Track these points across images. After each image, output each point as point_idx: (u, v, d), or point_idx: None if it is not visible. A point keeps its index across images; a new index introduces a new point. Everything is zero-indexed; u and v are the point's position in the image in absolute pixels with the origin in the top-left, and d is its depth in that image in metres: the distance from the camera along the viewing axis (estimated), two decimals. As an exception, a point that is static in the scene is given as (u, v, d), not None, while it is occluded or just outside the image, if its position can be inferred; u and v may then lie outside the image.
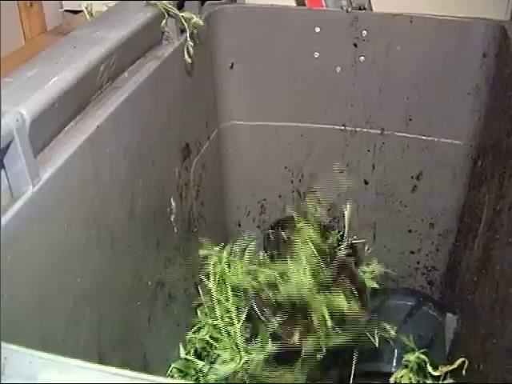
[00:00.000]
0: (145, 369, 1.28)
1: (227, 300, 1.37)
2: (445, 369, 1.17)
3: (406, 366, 1.24)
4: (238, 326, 1.34)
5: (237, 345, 1.32)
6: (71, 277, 0.94)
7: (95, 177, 0.99)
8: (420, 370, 1.24)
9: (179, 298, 1.41)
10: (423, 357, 1.22)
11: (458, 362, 1.16)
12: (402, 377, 1.24)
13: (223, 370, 1.21)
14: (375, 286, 1.50)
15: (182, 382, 1.02)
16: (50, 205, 0.86)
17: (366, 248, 1.56)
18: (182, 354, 1.40)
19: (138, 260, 1.20)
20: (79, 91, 0.95)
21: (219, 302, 1.38)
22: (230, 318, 1.36)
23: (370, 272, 1.51)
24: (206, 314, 1.41)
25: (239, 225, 1.82)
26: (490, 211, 1.29)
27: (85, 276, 0.98)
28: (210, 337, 1.37)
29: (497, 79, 1.39)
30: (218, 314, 1.37)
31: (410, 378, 1.23)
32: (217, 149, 1.64)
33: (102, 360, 1.06)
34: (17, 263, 0.78)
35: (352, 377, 1.34)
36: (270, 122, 1.64)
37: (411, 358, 1.23)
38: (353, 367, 1.34)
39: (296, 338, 1.28)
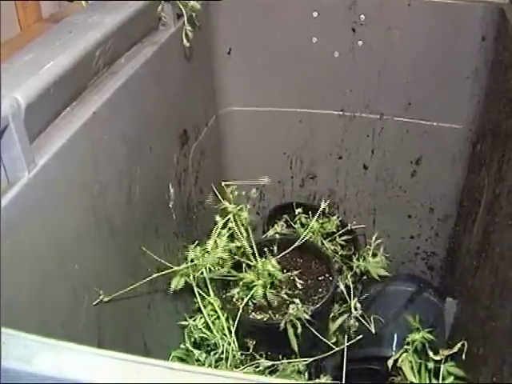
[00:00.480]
0: (146, 357, 1.27)
1: (208, 294, 1.38)
2: (446, 352, 1.17)
3: (406, 350, 1.23)
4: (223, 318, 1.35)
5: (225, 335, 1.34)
6: (70, 264, 0.94)
7: (93, 163, 0.99)
8: (421, 352, 1.24)
9: (179, 284, 1.41)
10: (429, 336, 1.21)
11: (458, 345, 1.15)
12: (402, 361, 1.23)
13: None
14: (384, 273, 1.50)
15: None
16: (46, 191, 0.86)
17: (374, 239, 1.56)
18: (186, 342, 1.40)
19: (136, 247, 1.20)
20: (75, 76, 0.94)
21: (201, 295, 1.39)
22: (215, 311, 1.37)
23: (375, 262, 1.51)
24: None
25: (238, 211, 1.82)
26: (489, 195, 1.29)
27: (83, 263, 0.98)
28: (205, 327, 1.38)
29: (496, 62, 1.39)
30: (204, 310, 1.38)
31: (411, 362, 1.22)
32: (215, 135, 1.64)
33: (101, 347, 1.06)
34: (15, 249, 0.78)
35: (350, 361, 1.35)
36: (269, 107, 1.63)
37: (416, 337, 1.22)
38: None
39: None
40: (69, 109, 0.96)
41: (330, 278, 1.40)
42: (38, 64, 0.87)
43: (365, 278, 1.53)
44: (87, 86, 1.01)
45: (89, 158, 0.97)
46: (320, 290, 1.38)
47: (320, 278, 1.41)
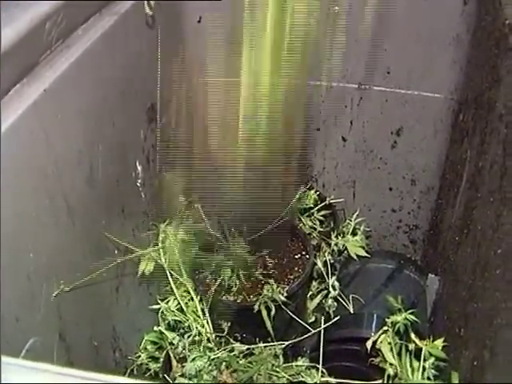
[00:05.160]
0: (115, 341, 1.23)
1: (181, 276, 1.32)
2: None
3: (386, 332, 1.19)
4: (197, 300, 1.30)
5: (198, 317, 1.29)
6: (23, 252, 0.89)
7: (45, 143, 0.92)
8: (402, 333, 1.20)
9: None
10: (412, 317, 1.17)
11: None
12: (381, 342, 1.19)
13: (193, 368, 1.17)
14: (363, 253, 1.45)
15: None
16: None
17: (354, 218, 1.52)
18: (160, 325, 1.36)
19: (101, 229, 1.14)
20: (23, 52, 0.87)
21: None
22: (188, 293, 1.32)
23: (355, 241, 1.46)
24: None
25: (214, 186, 1.76)
26: (471, 168, 1.23)
27: (39, 251, 0.92)
28: (178, 309, 1.32)
29: (478, 28, 1.32)
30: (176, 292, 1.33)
31: (390, 343, 1.18)
32: (187, 107, 1.57)
33: (63, 336, 1.01)
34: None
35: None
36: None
37: (398, 318, 1.18)
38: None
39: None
40: (18, 86, 0.89)
41: (307, 257, 1.35)
42: (-22, 39, 0.80)
43: (344, 254, 1.49)
44: (39, 62, 0.94)
45: (41, 138, 0.91)
46: (296, 268, 1.33)
47: (296, 257, 1.36)
